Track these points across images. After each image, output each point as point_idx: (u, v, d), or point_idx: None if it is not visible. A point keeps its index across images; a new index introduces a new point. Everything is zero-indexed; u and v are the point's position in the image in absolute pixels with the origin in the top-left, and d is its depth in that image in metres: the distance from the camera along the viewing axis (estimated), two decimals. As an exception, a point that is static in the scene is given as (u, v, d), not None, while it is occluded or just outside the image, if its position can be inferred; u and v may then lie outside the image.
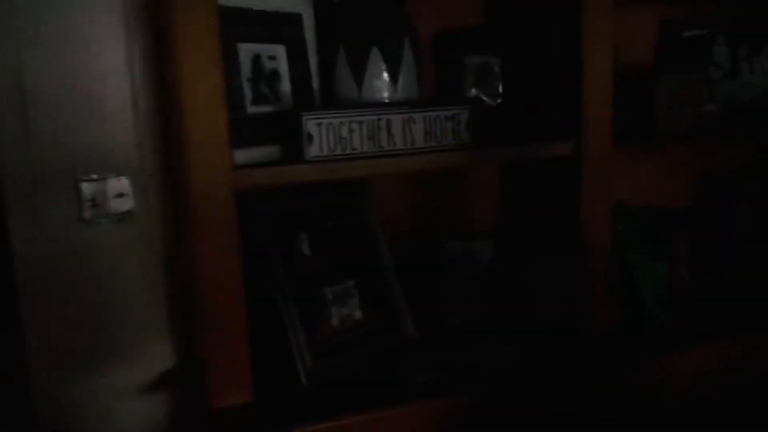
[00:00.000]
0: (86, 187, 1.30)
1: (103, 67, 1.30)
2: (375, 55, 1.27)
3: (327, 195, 1.40)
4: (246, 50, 1.23)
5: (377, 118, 1.22)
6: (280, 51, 1.29)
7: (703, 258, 1.70)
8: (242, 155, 1.17)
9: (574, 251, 1.38)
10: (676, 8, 1.70)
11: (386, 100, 1.28)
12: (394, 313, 1.38)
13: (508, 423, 1.24)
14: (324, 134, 1.18)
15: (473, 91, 1.49)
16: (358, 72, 1.27)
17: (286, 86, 1.29)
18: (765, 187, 1.79)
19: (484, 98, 1.49)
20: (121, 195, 1.33)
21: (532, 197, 1.54)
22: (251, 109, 1.23)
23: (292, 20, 1.32)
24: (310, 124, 1.17)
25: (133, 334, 1.37)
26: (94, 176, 1.31)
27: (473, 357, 1.31)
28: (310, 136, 1.16)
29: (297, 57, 1.32)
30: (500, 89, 1.50)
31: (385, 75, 1.28)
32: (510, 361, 1.31)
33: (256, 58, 1.25)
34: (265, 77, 1.25)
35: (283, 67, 1.29)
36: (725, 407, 1.45)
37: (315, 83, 1.35)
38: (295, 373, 1.20)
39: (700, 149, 1.77)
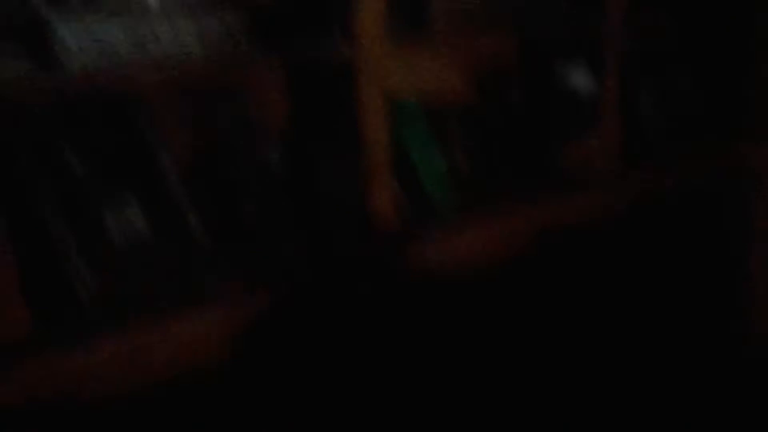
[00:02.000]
0: None
1: None
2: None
3: (95, 108, 1.32)
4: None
5: (144, 27, 1.15)
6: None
7: (478, 147, 1.84)
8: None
9: (356, 144, 1.45)
10: None
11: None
12: (181, 221, 1.37)
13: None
14: (82, 42, 1.09)
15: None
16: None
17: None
18: (529, 75, 1.96)
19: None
20: None
21: (316, 99, 1.56)
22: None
23: None
24: (64, 30, 1.08)
25: None
26: None
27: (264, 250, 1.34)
28: (63, 45, 1.07)
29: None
30: None
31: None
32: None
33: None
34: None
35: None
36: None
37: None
38: (77, 299, 1.17)
39: (473, 41, 1.88)
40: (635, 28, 1.94)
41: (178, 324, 1.19)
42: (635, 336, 1.86)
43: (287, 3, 1.47)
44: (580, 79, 1.77)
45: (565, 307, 1.79)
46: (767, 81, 2.10)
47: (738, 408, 1.66)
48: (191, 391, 1.23)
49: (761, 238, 2.09)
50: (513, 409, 1.62)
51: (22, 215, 1.13)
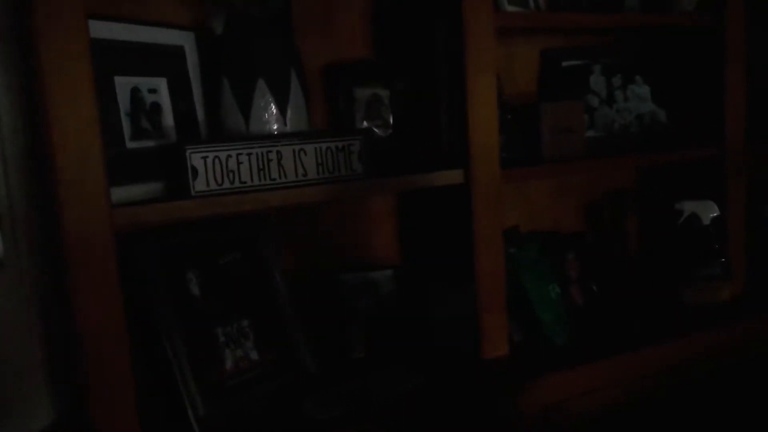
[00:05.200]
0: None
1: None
2: (261, 86, 1.25)
3: (220, 231, 1.35)
4: (123, 83, 1.17)
5: (267, 150, 1.19)
6: (161, 84, 1.24)
7: (593, 280, 1.75)
8: (122, 193, 1.10)
9: (470, 276, 1.39)
10: (554, 39, 1.78)
11: (275, 132, 1.25)
12: (292, 349, 1.34)
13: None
14: (210, 167, 1.14)
15: (364, 123, 1.49)
16: (245, 104, 1.24)
17: (169, 120, 1.24)
18: (646, 207, 1.90)
19: (376, 129, 1.50)
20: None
21: (429, 225, 1.54)
22: (131, 144, 1.17)
23: (174, 52, 1.28)
24: (195, 157, 1.13)
25: (6, 391, 1.25)
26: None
27: (376, 387, 1.28)
28: (194, 170, 1.12)
29: (180, 90, 1.27)
30: (391, 120, 1.51)
31: (273, 107, 1.25)
32: (412, 390, 1.29)
33: (135, 92, 1.19)
34: (145, 111, 1.20)
35: (166, 100, 1.24)
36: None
37: (201, 117, 1.31)
38: (188, 423, 1.13)
39: (586, 173, 1.85)
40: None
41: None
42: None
43: (406, 131, 1.50)
44: (702, 209, 1.68)
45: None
46: None
47: None
48: None
49: None
50: None
51: (145, 336, 1.13)
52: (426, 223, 1.55)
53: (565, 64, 1.78)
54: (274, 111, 1.25)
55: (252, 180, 1.17)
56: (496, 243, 1.41)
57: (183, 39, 1.30)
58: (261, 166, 1.18)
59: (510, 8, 1.51)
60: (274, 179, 1.19)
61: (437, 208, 1.50)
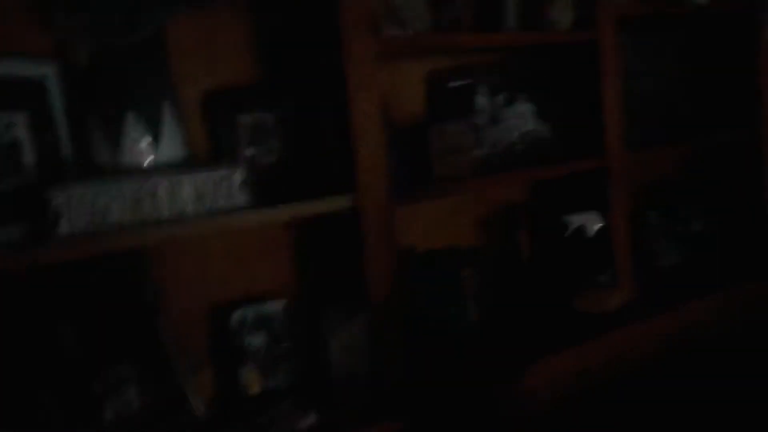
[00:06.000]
0: None
1: None
2: (131, 119, 1.18)
3: (94, 273, 1.26)
4: (-28, 120, 1.08)
5: (138, 186, 1.13)
6: (19, 119, 1.15)
7: (490, 294, 1.77)
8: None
9: (364, 303, 1.37)
10: (440, 60, 1.80)
11: (148, 166, 1.19)
12: (178, 392, 1.26)
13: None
14: (75, 208, 1.06)
15: (250, 150, 1.45)
16: (114, 138, 1.18)
17: (29, 157, 1.15)
18: (537, 220, 1.94)
19: (262, 156, 1.45)
20: None
21: (323, 253, 1.51)
22: (-17, 186, 1.08)
23: (35, 85, 1.20)
24: (58, 197, 1.05)
25: None
26: None
27: (266, 428, 1.23)
28: (56, 212, 1.04)
29: (42, 125, 1.19)
30: (277, 146, 1.47)
31: (145, 140, 1.19)
32: (303, 430, 1.25)
33: (-13, 129, 1.10)
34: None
35: (25, 136, 1.15)
36: None
37: (69, 152, 1.22)
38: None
39: (475, 191, 1.87)
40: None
41: None
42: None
43: (295, 157, 1.47)
44: (587, 221, 1.73)
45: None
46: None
47: None
48: None
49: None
50: None
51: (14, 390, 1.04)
52: (320, 251, 1.52)
53: (451, 85, 1.80)
54: (146, 144, 1.19)
55: (123, 218, 1.11)
56: (390, 267, 1.39)
57: (45, 70, 1.22)
58: (132, 203, 1.11)
59: (392, 31, 1.51)
60: (148, 216, 1.13)
61: (330, 235, 1.47)
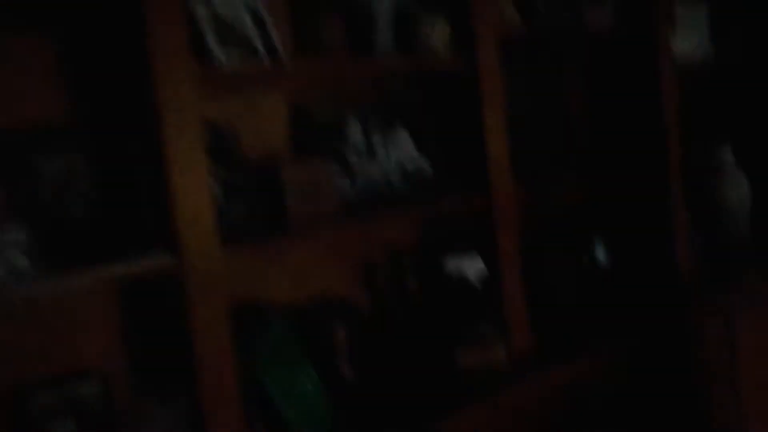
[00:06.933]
0: None
1: None
2: None
3: None
4: None
5: None
6: None
7: (366, 350, 1.57)
8: None
9: (189, 379, 1.15)
10: (305, 89, 1.61)
11: None
12: None
13: None
14: None
15: (54, 202, 1.21)
16: None
17: None
18: (421, 264, 1.75)
19: (69, 208, 1.22)
20: None
21: (149, 322, 1.28)
22: None
23: None
24: None
25: None
26: None
27: None
28: None
29: None
30: (89, 196, 1.24)
31: None
32: None
33: None
34: None
35: None
36: None
37: None
38: None
39: (348, 231, 1.67)
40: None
41: None
42: None
43: (111, 209, 1.24)
44: (466, 263, 1.54)
45: None
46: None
47: None
48: None
49: None
50: None
51: None
52: (147, 320, 1.29)
53: (318, 116, 1.61)
54: None
55: None
56: (220, 335, 1.17)
57: None
58: None
59: (225, 58, 1.30)
60: None
61: (156, 301, 1.24)
